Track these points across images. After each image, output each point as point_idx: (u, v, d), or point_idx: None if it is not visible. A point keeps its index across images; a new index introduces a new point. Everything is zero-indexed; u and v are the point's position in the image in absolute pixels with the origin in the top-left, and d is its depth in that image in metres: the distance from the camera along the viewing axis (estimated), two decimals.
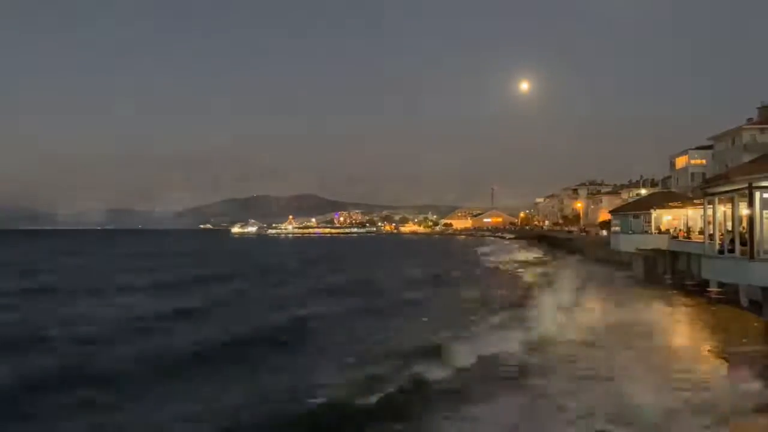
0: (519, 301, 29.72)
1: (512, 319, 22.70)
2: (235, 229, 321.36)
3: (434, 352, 16.76)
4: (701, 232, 29.70)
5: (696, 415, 11.84)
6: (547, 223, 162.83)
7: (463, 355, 16.38)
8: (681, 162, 70.87)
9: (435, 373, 15.08)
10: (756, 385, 13.99)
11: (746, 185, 17.65)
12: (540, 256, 73.26)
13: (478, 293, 34.11)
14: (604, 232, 66.52)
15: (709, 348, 18.37)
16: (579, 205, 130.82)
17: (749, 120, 60.43)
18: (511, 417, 12.19)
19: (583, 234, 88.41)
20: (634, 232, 40.98)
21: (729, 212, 20.07)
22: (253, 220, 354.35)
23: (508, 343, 17.88)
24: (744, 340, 19.05)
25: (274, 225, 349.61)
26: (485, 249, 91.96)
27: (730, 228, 20.17)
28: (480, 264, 63.95)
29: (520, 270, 53.73)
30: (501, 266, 59.81)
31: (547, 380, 14.69)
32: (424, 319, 25.96)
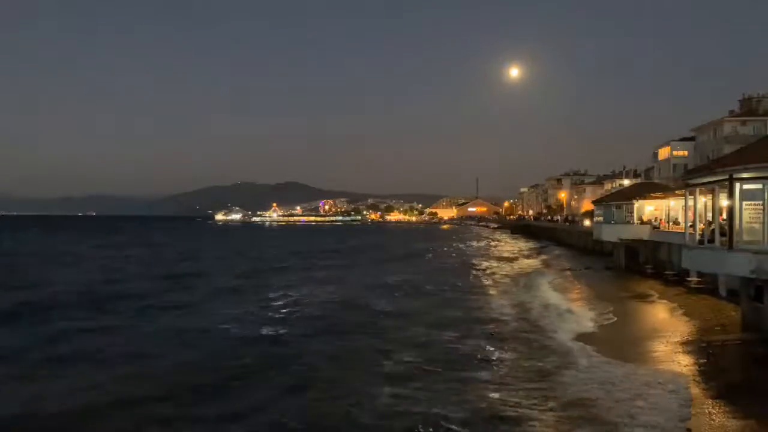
0: None
1: None
2: (219, 217, 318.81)
3: None
4: (677, 222, 30.15)
5: None
6: (531, 212, 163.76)
7: None
8: (664, 153, 71.45)
9: None
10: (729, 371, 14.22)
11: (727, 176, 17.74)
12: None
13: None
14: (587, 222, 66.79)
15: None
16: (562, 195, 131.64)
17: (731, 112, 61.07)
18: None
19: (566, 224, 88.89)
20: (616, 222, 41.30)
21: (710, 203, 20.22)
22: (237, 208, 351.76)
23: None
24: (717, 328, 19.36)
25: (258, 213, 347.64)
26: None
27: (710, 219, 20.35)
28: None
29: None
30: None
31: None
32: None
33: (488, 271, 47.13)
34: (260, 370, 17.07)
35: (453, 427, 12.16)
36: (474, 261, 58.27)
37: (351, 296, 32.50)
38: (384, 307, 28.74)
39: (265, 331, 23.15)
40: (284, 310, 28.16)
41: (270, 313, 27.35)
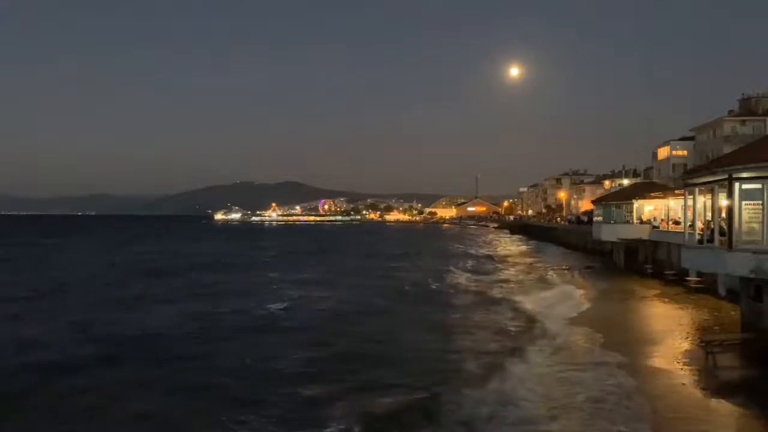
0: None
1: None
2: (218, 216, 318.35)
3: None
4: (677, 222, 30.12)
5: None
6: (530, 212, 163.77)
7: None
8: (663, 153, 71.46)
9: None
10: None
11: (726, 176, 17.73)
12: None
13: None
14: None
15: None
16: (562, 195, 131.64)
17: (730, 112, 61.06)
18: None
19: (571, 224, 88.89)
20: (615, 222, 41.27)
21: (709, 203, 20.21)
22: (236, 207, 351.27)
23: None
24: (716, 328, 19.37)
25: (258, 212, 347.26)
26: None
27: (710, 218, 20.33)
28: None
29: None
30: None
31: None
32: None
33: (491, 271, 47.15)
34: None
35: None
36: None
37: None
38: None
39: None
40: None
41: None
